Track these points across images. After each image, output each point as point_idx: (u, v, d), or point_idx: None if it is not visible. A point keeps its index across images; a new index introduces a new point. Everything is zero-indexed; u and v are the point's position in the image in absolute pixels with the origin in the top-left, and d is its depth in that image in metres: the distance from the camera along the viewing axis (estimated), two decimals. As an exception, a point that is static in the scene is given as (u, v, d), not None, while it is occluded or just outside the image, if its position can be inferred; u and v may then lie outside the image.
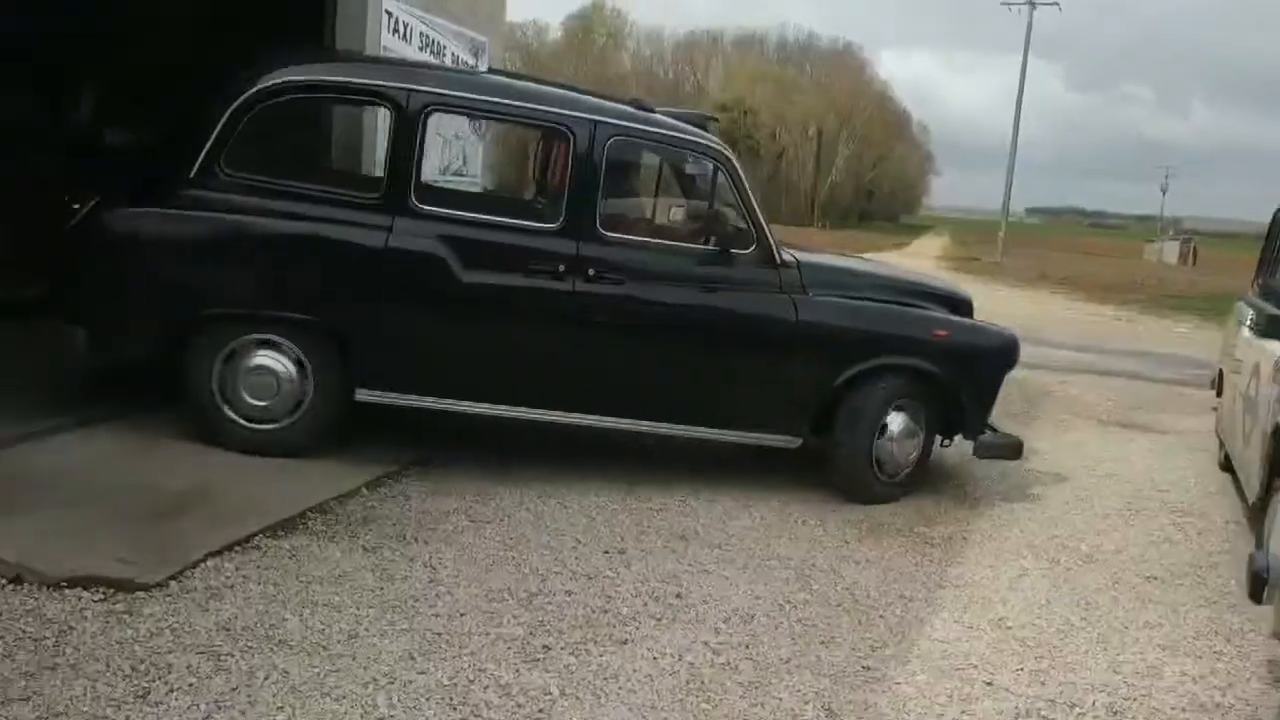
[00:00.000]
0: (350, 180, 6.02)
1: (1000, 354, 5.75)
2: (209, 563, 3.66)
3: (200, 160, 4.72)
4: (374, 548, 4.01)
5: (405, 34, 6.86)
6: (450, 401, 4.99)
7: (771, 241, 5.28)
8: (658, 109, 5.45)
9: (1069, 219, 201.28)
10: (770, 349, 5.25)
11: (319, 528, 4.16)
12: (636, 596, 3.86)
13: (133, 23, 8.97)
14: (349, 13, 6.50)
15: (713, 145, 5.32)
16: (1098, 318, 19.25)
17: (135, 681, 2.86)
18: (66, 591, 3.32)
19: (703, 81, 75.43)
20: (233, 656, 3.06)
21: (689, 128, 5.34)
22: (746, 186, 5.27)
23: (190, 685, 2.88)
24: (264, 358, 4.80)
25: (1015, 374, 6.09)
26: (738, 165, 5.29)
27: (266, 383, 4.80)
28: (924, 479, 5.65)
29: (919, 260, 28.72)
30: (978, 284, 21.45)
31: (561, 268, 4.92)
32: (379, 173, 5.38)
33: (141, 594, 3.37)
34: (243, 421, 4.82)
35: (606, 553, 4.26)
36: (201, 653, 3.06)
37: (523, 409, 5.05)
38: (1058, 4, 43.31)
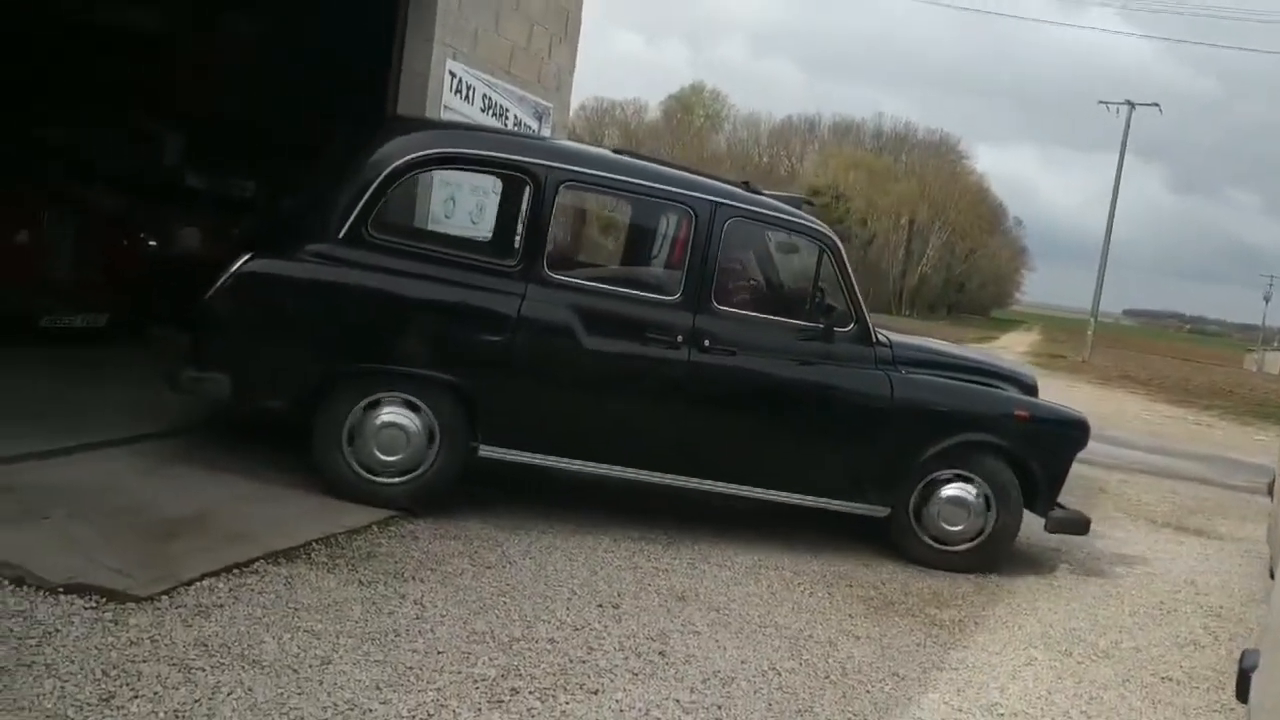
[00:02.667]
0: (486, 247, 6.22)
1: (1072, 434, 5.95)
2: (204, 582, 3.76)
3: (350, 222, 4.88)
4: (369, 582, 4.08)
5: (468, 95, 7.12)
6: (566, 461, 5.17)
7: (869, 321, 5.53)
8: (764, 191, 5.71)
9: (1167, 323, 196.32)
10: (867, 422, 5.48)
11: (321, 559, 4.24)
12: (619, 650, 3.85)
13: (209, 71, 9.51)
14: (413, 71, 6.76)
15: (819, 228, 5.60)
16: (1174, 420, 18.70)
17: (103, 685, 2.95)
18: (62, 597, 3.44)
19: (797, 166, 75.94)
20: (203, 671, 3.14)
21: (797, 210, 5.62)
22: (849, 268, 5.54)
23: (155, 694, 2.96)
24: (394, 414, 4.94)
25: (1073, 470, 6.08)
26: (841, 247, 5.55)
27: (396, 438, 4.93)
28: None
29: (1005, 355, 28.26)
30: (1059, 380, 21.12)
31: (679, 338, 5.18)
32: (515, 242, 5.54)
33: (132, 605, 3.47)
34: (367, 474, 4.93)
35: (600, 606, 4.27)
36: (174, 664, 3.14)
37: (633, 471, 5.26)
38: (1157, 105, 42.52)
